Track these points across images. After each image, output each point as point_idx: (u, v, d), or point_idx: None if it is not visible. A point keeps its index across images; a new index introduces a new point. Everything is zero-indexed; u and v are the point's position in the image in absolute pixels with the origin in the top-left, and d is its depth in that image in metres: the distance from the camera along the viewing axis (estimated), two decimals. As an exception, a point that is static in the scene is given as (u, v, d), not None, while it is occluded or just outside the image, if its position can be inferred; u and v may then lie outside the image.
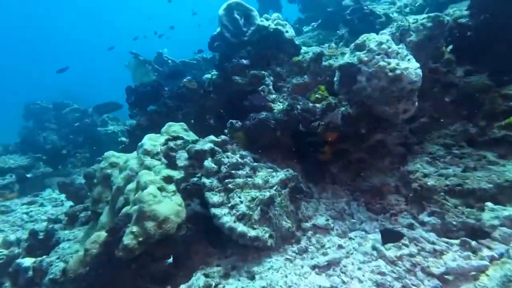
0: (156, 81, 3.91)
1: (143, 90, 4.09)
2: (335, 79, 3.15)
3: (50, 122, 11.03)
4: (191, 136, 3.26)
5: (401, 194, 2.94)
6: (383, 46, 2.80)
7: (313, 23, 6.58)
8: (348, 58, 3.01)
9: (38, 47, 38.68)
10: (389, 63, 2.71)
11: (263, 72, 3.87)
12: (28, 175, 6.04)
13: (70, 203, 4.55)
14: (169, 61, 7.25)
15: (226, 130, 3.24)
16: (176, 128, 3.27)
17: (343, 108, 3.19)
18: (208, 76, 4.69)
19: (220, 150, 2.85)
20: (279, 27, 4.16)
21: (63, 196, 5.63)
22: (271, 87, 3.80)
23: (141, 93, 4.10)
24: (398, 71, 2.67)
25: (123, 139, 5.28)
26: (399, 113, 2.85)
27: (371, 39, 2.89)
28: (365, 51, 2.86)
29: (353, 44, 3.04)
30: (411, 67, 2.70)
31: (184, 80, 4.26)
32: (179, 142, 3.12)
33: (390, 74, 2.69)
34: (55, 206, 5.56)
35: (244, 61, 3.85)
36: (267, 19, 4.32)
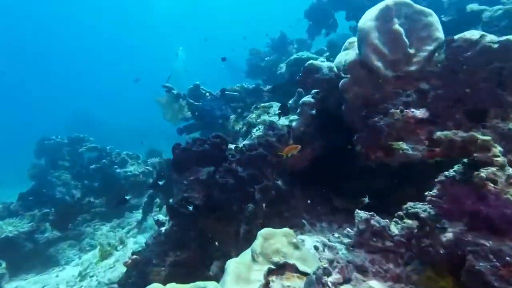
0: (218, 135, 2.40)
1: (197, 150, 2.63)
2: None
3: (64, 159, 9.86)
4: (307, 257, 1.70)
5: None
6: None
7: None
8: None
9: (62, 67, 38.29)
10: None
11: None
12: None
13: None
14: (207, 93, 5.91)
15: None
16: (280, 240, 1.72)
17: None
18: (284, 122, 3.20)
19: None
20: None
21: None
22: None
23: (194, 155, 2.64)
24: None
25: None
26: None
27: None
28: None
29: None
30: None
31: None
32: (290, 276, 1.56)
33: None
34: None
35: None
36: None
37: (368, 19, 2.14)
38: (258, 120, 5.31)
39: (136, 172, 7.99)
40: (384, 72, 2.07)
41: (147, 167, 8.39)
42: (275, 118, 5.19)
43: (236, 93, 6.47)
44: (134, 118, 22.70)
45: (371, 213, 1.76)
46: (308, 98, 2.90)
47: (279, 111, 3.17)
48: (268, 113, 5.38)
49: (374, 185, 2.34)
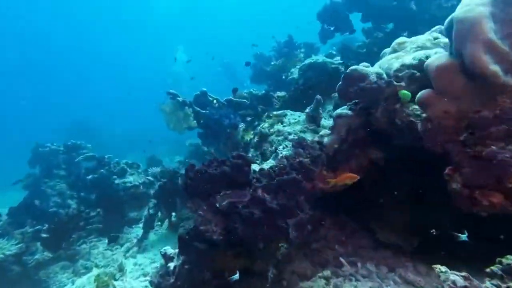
0: (240, 155, 1.95)
1: (214, 173, 2.18)
2: None
3: (60, 168, 9.36)
4: None
5: None
6: None
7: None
8: None
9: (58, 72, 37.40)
10: None
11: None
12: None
13: None
14: (214, 101, 5.46)
15: None
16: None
17: None
18: (312, 137, 2.75)
19: None
20: None
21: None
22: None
23: (211, 179, 2.19)
24: None
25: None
26: None
27: None
28: None
29: None
30: None
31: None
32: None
33: None
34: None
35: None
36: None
37: (476, 3, 1.55)
38: (271, 130, 4.86)
39: (136, 183, 7.50)
40: (503, 79, 1.49)
41: (147, 177, 7.90)
42: (290, 128, 4.75)
43: (244, 100, 6.03)
44: (134, 123, 22.19)
45: (464, 274, 1.29)
46: (344, 110, 2.45)
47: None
48: (282, 122, 4.93)
49: (438, 221, 1.89)
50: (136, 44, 37.75)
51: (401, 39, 2.12)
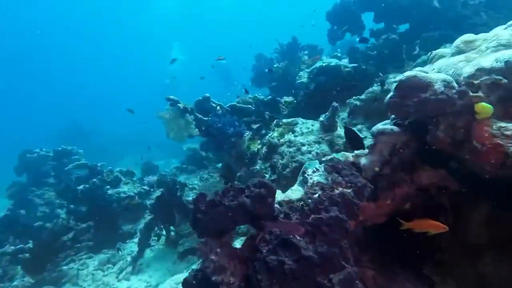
0: (263, 183, 1.44)
1: (231, 206, 1.71)
2: None
3: (49, 175, 8.79)
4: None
5: None
6: None
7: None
8: None
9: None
10: None
11: None
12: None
13: None
14: (218, 107, 4.98)
15: None
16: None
17: None
18: (345, 156, 2.28)
19: None
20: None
21: None
22: None
23: (226, 213, 1.72)
24: None
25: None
26: None
27: None
28: None
29: None
30: None
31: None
32: None
33: None
34: None
35: None
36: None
37: None
38: (282, 140, 4.40)
39: (130, 193, 6.97)
40: None
41: (143, 187, 7.38)
42: (303, 139, 4.28)
43: (249, 106, 5.56)
44: (131, 124, 21.51)
45: None
46: (387, 126, 2.00)
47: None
48: (293, 132, 4.47)
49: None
50: (132, 44, 37.08)
51: (468, 36, 1.68)
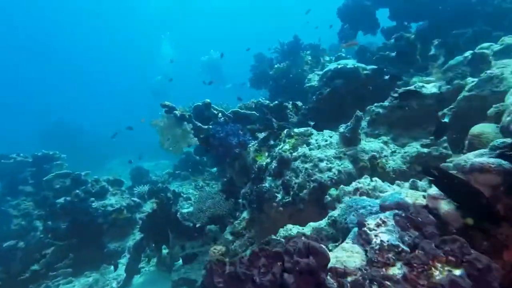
0: (312, 247, 0.76)
1: (264, 284, 1.07)
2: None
3: (26, 183, 7.96)
4: None
5: None
6: None
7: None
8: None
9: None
10: None
11: None
12: None
13: None
14: (219, 114, 4.32)
15: None
16: None
17: None
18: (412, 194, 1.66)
19: None
20: None
21: None
22: None
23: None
24: None
25: None
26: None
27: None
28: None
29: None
30: None
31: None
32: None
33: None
34: None
35: None
36: None
37: None
38: (295, 154, 3.76)
39: (118, 206, 6.25)
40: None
41: (132, 199, 6.66)
42: (320, 153, 3.66)
43: (253, 112, 4.92)
44: (118, 125, 20.54)
45: None
46: (485, 159, 1.40)
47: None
48: (308, 144, 3.84)
49: None
50: (121, 42, 35.82)
51: None
